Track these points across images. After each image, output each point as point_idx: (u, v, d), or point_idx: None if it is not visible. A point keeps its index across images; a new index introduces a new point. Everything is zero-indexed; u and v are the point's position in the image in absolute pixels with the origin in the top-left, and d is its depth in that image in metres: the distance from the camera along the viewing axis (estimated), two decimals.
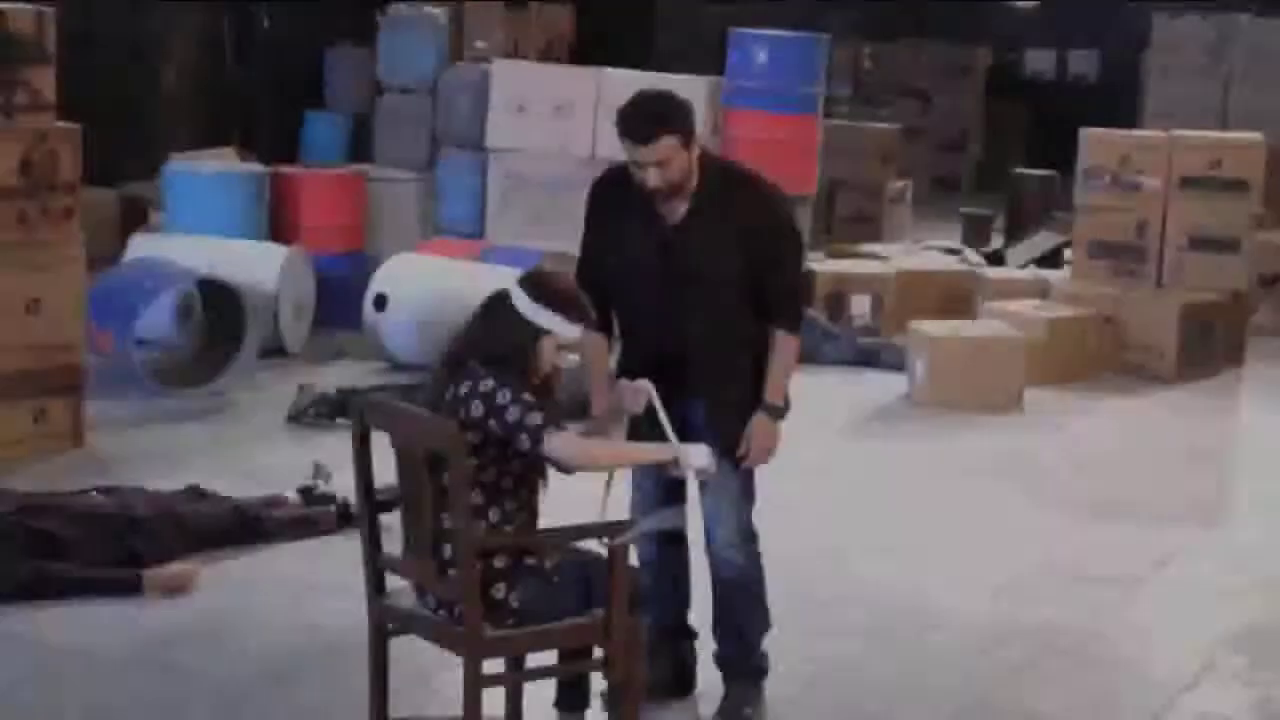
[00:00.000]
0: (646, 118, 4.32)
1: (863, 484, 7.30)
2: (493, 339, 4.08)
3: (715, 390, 4.53)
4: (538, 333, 4.08)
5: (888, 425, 8.55)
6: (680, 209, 4.43)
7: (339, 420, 7.67)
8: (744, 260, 4.42)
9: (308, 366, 9.06)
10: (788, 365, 4.56)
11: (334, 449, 7.15)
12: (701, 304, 4.46)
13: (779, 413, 4.56)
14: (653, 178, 4.34)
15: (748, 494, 4.67)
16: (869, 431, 8.30)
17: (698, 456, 4.24)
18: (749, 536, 4.67)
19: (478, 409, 3.99)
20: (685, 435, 4.39)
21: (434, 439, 4.04)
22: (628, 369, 4.57)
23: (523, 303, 4.09)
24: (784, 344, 4.54)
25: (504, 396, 3.98)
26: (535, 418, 3.97)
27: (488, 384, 3.99)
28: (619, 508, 4.18)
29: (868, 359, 9.64)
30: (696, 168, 4.41)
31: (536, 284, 4.13)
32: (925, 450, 8.07)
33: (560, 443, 3.99)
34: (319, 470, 6.57)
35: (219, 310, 8.72)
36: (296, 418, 7.83)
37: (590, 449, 4.14)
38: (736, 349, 4.53)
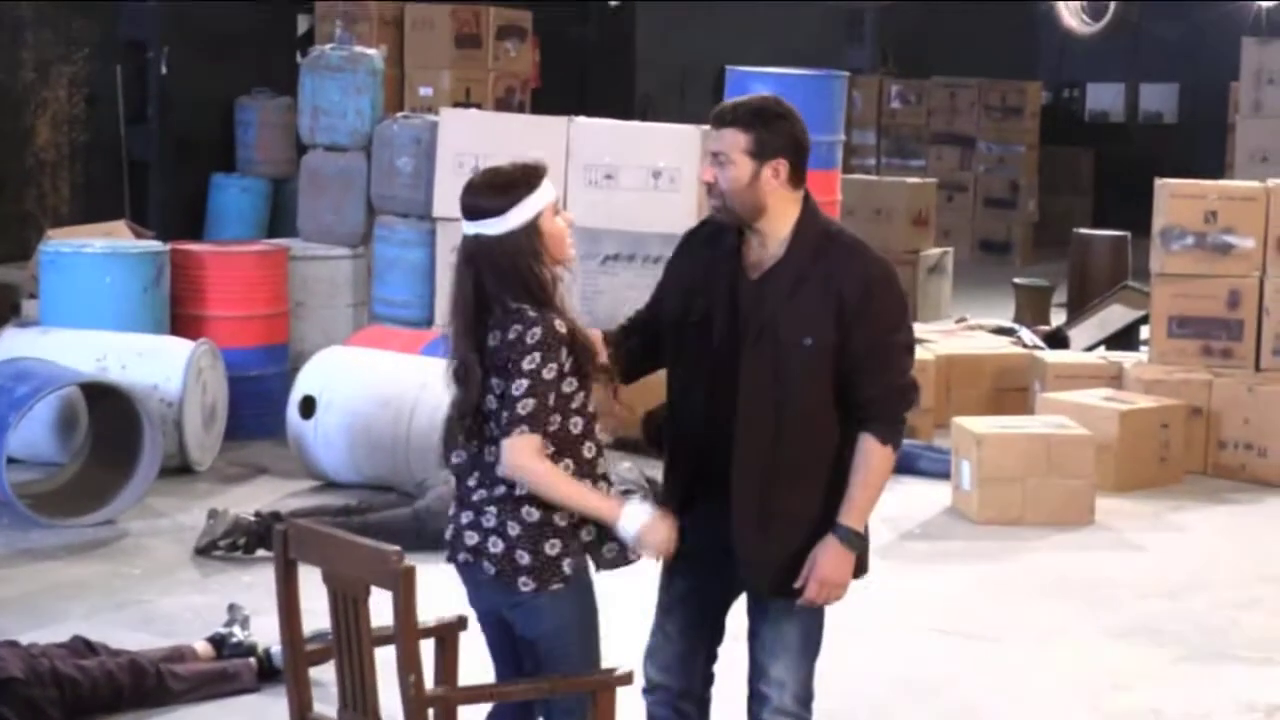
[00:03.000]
0: (732, 106, 4.49)
1: (903, 616, 7.31)
2: (508, 280, 4.36)
3: (763, 493, 4.43)
4: (530, 231, 4.38)
5: (930, 544, 8.57)
6: (766, 263, 4.48)
7: (259, 552, 7.68)
8: (831, 334, 4.39)
9: (219, 487, 9.07)
10: (873, 482, 4.44)
11: (253, 588, 7.15)
12: (766, 372, 4.41)
13: (855, 541, 4.42)
14: (706, 170, 4.49)
15: (811, 645, 4.58)
16: (907, 553, 8.32)
17: (631, 522, 4.38)
18: (805, 701, 4.58)
19: (529, 361, 4.29)
20: (725, 557, 4.47)
21: (375, 573, 4.07)
22: (673, 450, 4.64)
23: (495, 226, 4.38)
24: (872, 454, 4.42)
25: (531, 361, 4.29)
26: (527, 405, 4.27)
27: (535, 334, 4.30)
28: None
29: (904, 464, 9.66)
30: (779, 209, 4.45)
31: (478, 198, 4.42)
32: (976, 574, 8.09)
33: (520, 449, 4.28)
34: (235, 614, 6.57)
35: (109, 421, 8.73)
36: (206, 550, 7.83)
37: (546, 477, 4.33)
38: (803, 442, 4.44)
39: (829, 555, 4.41)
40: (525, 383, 4.29)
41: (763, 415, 4.42)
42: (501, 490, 4.37)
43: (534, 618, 4.39)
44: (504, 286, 4.36)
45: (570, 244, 4.51)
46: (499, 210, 4.39)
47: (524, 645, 4.45)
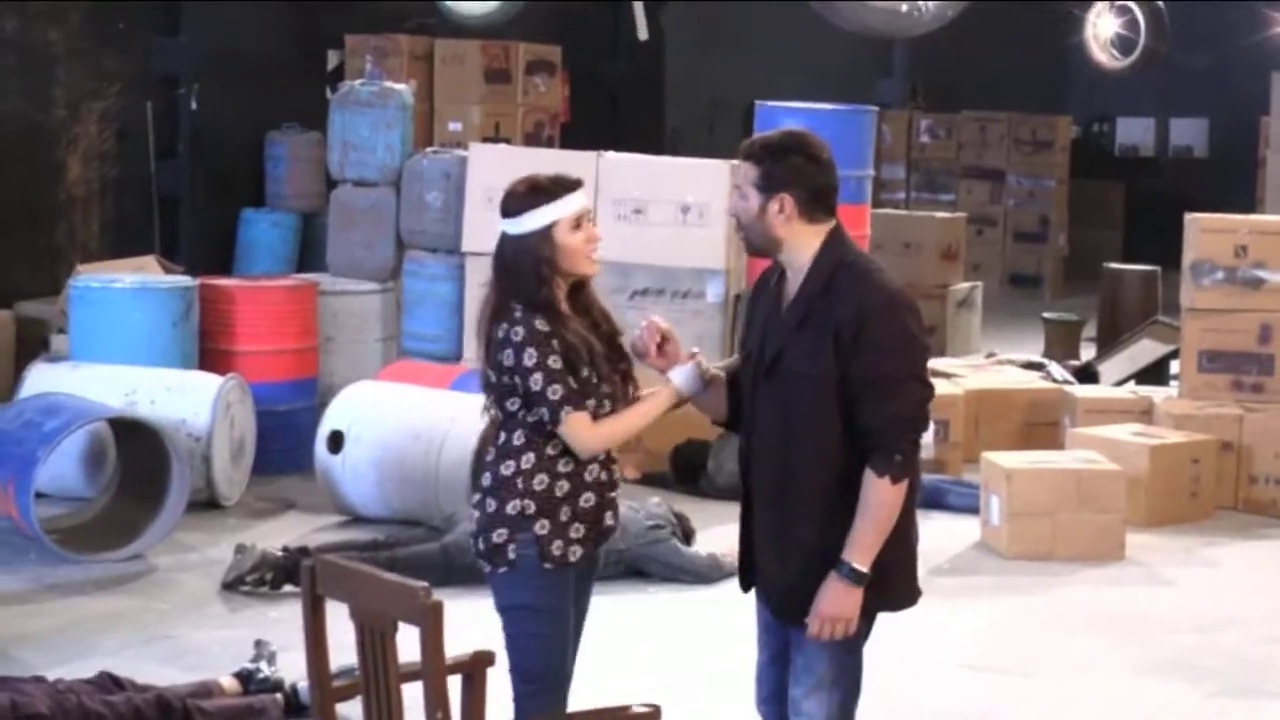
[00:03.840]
0: (751, 140, 4.66)
1: (933, 652, 7.28)
2: (512, 278, 4.74)
3: (777, 521, 4.52)
4: (541, 237, 4.72)
5: (960, 579, 8.53)
6: (790, 297, 4.57)
7: (286, 587, 7.68)
8: (832, 365, 4.42)
9: (247, 522, 9.08)
10: (874, 516, 4.42)
11: (280, 623, 7.15)
12: (775, 403, 4.50)
13: (855, 576, 4.43)
14: (730, 203, 4.70)
15: (844, 679, 4.57)
16: (937, 588, 8.26)
17: (678, 376, 4.74)
18: None
19: (509, 359, 4.69)
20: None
21: (403, 608, 4.06)
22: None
23: (511, 227, 4.77)
24: (871, 487, 4.41)
25: (530, 357, 4.67)
26: (556, 391, 4.67)
27: (518, 333, 4.68)
28: None
29: (932, 499, 9.65)
30: (797, 243, 4.53)
31: (505, 200, 4.80)
32: (1006, 610, 8.06)
33: (574, 428, 4.70)
34: (261, 649, 6.56)
35: (137, 456, 8.75)
36: (234, 585, 7.83)
37: (601, 434, 4.75)
38: (812, 472, 4.47)
39: (829, 592, 4.45)
40: (539, 375, 4.67)
41: (774, 446, 4.52)
42: (482, 480, 4.84)
43: (494, 594, 4.83)
44: (510, 283, 4.76)
45: (591, 259, 4.82)
46: (515, 212, 4.78)
47: None
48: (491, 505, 4.77)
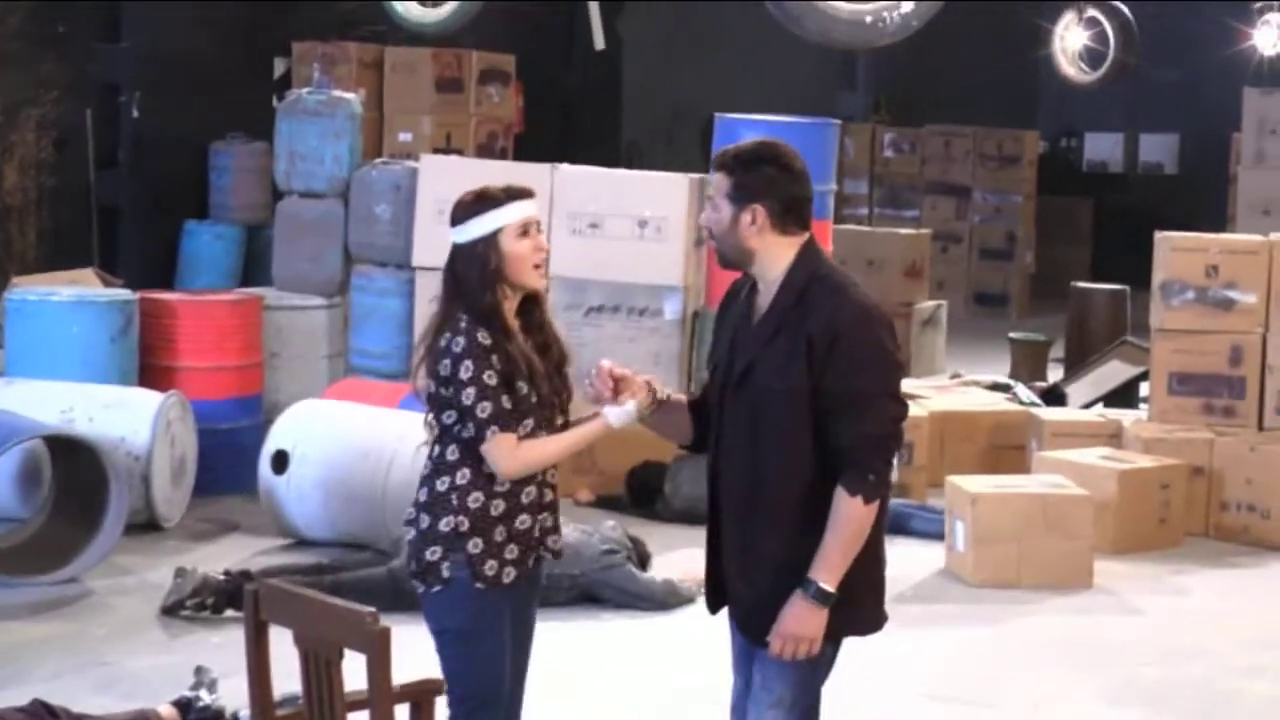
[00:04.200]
0: (724, 150, 4.67)
1: (896, 681, 7.28)
2: (460, 286, 4.79)
3: (744, 536, 4.53)
4: (487, 243, 4.78)
5: (923, 607, 8.54)
6: (762, 310, 4.58)
7: (228, 612, 7.64)
8: (804, 380, 4.44)
9: (188, 544, 9.04)
10: (843, 535, 4.43)
11: (222, 649, 7.11)
12: (744, 417, 4.51)
13: (821, 596, 4.43)
14: (704, 214, 4.69)
15: (802, 701, 4.57)
16: (900, 616, 8.22)
17: (612, 412, 4.73)
18: None
19: (446, 368, 4.72)
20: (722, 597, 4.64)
21: (349, 635, 4.04)
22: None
23: (458, 235, 4.83)
24: (842, 505, 4.42)
25: (466, 370, 4.69)
26: (485, 409, 4.69)
27: (459, 343, 4.69)
28: None
29: (896, 524, 9.65)
30: (770, 255, 4.54)
31: (453, 209, 4.88)
32: (971, 638, 8.06)
33: (496, 449, 4.72)
34: (202, 676, 6.53)
35: (74, 475, 8.70)
36: (173, 610, 7.79)
37: (530, 464, 4.78)
38: (780, 487, 4.48)
39: (793, 610, 4.45)
40: (472, 390, 4.70)
41: (743, 460, 4.53)
42: (419, 495, 4.85)
43: (427, 614, 4.83)
44: (455, 291, 4.81)
45: (537, 270, 4.86)
46: (460, 220, 4.85)
47: None
48: (425, 521, 4.79)
